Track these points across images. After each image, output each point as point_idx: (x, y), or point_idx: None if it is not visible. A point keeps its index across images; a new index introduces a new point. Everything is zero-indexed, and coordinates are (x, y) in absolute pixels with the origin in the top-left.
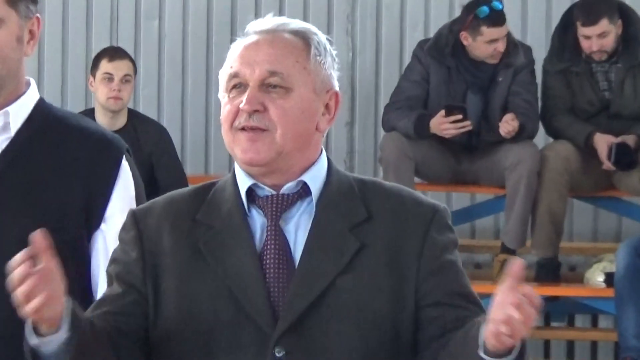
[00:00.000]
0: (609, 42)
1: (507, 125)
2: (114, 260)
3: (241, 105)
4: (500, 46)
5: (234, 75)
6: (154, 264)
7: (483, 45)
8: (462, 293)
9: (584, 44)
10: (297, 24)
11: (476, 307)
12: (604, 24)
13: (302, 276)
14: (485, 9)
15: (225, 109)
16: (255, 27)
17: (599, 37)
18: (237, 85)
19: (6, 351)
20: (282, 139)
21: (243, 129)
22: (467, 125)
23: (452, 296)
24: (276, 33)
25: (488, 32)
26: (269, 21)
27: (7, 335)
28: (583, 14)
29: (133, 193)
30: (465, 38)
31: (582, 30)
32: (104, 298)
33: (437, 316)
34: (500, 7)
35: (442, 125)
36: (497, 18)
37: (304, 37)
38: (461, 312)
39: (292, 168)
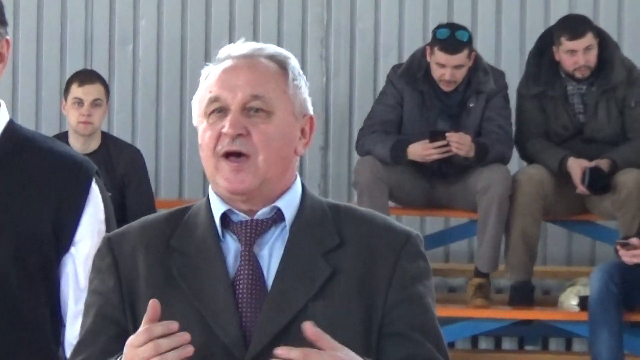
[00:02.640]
0: (593, 58)
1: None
2: (92, 292)
3: (224, 130)
4: (447, 75)
5: (214, 99)
6: (130, 291)
7: (434, 66)
8: (424, 329)
9: (569, 61)
10: (272, 48)
11: (433, 344)
12: (589, 37)
13: (273, 302)
14: (445, 31)
15: (206, 135)
16: (231, 51)
17: (585, 51)
18: (217, 110)
19: None
20: (265, 165)
21: (226, 155)
22: (450, 150)
23: (412, 330)
24: (253, 58)
25: (438, 54)
26: (244, 46)
27: None
28: (568, 28)
29: (103, 216)
30: (428, 53)
31: (568, 45)
32: (85, 341)
33: (393, 348)
34: (464, 39)
35: (426, 151)
36: (451, 45)
37: (280, 62)
38: (417, 349)
39: (271, 193)
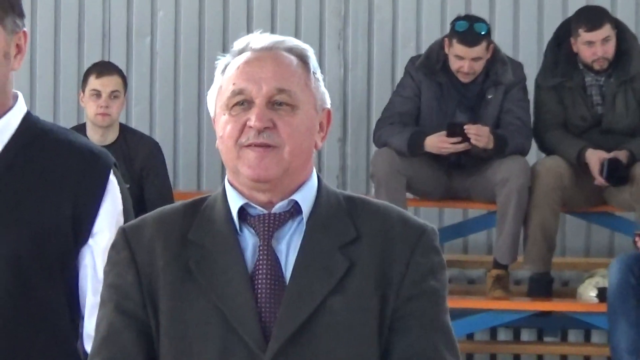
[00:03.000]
0: (611, 49)
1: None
2: (109, 286)
3: (251, 123)
4: (466, 67)
5: (238, 92)
6: (150, 284)
7: (452, 58)
8: (434, 325)
9: (587, 52)
10: (291, 41)
11: (442, 341)
12: (607, 29)
13: (292, 296)
14: (463, 24)
15: (228, 127)
16: (250, 43)
17: (602, 42)
18: (241, 103)
19: None
20: (290, 156)
21: (250, 145)
22: (467, 145)
23: (422, 326)
24: (275, 50)
25: (456, 47)
26: (264, 38)
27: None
28: (586, 19)
29: (121, 208)
30: (446, 45)
31: (586, 37)
32: (106, 339)
33: (402, 343)
34: (482, 31)
35: (442, 144)
36: (469, 38)
37: (301, 55)
38: (425, 345)
39: (291, 185)
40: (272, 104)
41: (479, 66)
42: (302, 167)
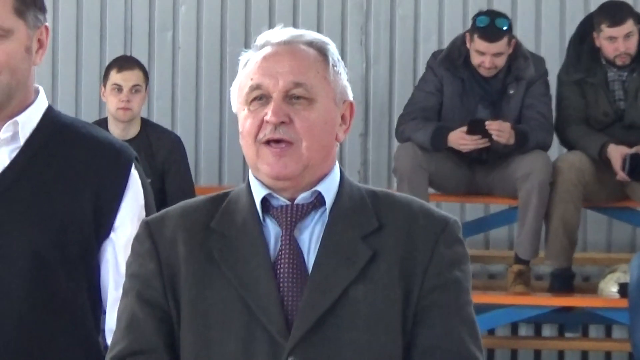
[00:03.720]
0: (634, 44)
1: (494, 131)
2: (131, 276)
3: (267, 118)
4: (487, 62)
5: (256, 87)
6: (171, 274)
7: (473, 53)
8: (458, 316)
9: (609, 47)
10: (311, 35)
11: (466, 332)
12: (630, 24)
13: (314, 285)
14: (484, 19)
15: (247, 123)
16: (270, 38)
17: (625, 37)
18: (259, 97)
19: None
20: (308, 152)
21: (268, 142)
22: (487, 143)
23: (446, 317)
24: (293, 44)
25: (478, 42)
26: (283, 32)
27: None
28: (609, 15)
29: (142, 202)
30: (468, 40)
31: (608, 32)
32: (128, 328)
33: (426, 334)
34: (504, 26)
35: (463, 140)
36: (490, 33)
37: (320, 48)
38: (449, 337)
39: (312, 179)
40: (290, 97)
41: (500, 61)
42: (323, 160)
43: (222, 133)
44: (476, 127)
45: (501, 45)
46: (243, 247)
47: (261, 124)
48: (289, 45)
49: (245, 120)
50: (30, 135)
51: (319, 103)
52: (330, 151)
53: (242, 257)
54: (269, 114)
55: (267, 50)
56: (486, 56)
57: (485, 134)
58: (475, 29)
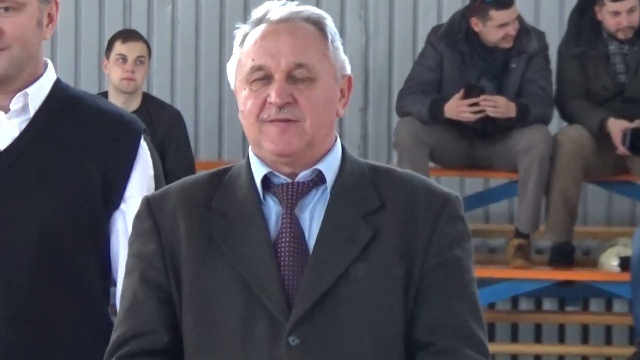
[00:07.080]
0: (636, 18)
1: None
2: (133, 255)
3: (271, 99)
4: (511, 29)
5: (258, 68)
6: (173, 253)
7: (494, 30)
8: (459, 293)
9: (611, 21)
10: (309, 10)
11: (467, 310)
12: None
13: (315, 265)
14: None
15: (249, 102)
16: (267, 15)
17: (628, 12)
18: (261, 78)
19: (24, 333)
20: (312, 129)
21: (272, 121)
22: (485, 113)
23: (448, 294)
24: (292, 22)
25: (497, 15)
26: (281, 9)
27: (23, 317)
28: None
29: (152, 173)
30: (476, 24)
31: (611, 7)
32: (130, 309)
33: (428, 312)
34: None
35: (460, 107)
36: (504, 0)
37: (319, 24)
38: (450, 314)
39: (314, 156)
40: (292, 78)
41: (515, 27)
42: (325, 137)
43: (221, 107)
44: (472, 92)
45: (516, 8)
46: (243, 227)
47: (263, 104)
48: (287, 22)
49: (246, 100)
50: (40, 107)
51: (320, 81)
52: (331, 127)
53: (242, 237)
54: (272, 95)
55: (266, 28)
56: (509, 25)
57: (480, 95)
58: (487, 5)
